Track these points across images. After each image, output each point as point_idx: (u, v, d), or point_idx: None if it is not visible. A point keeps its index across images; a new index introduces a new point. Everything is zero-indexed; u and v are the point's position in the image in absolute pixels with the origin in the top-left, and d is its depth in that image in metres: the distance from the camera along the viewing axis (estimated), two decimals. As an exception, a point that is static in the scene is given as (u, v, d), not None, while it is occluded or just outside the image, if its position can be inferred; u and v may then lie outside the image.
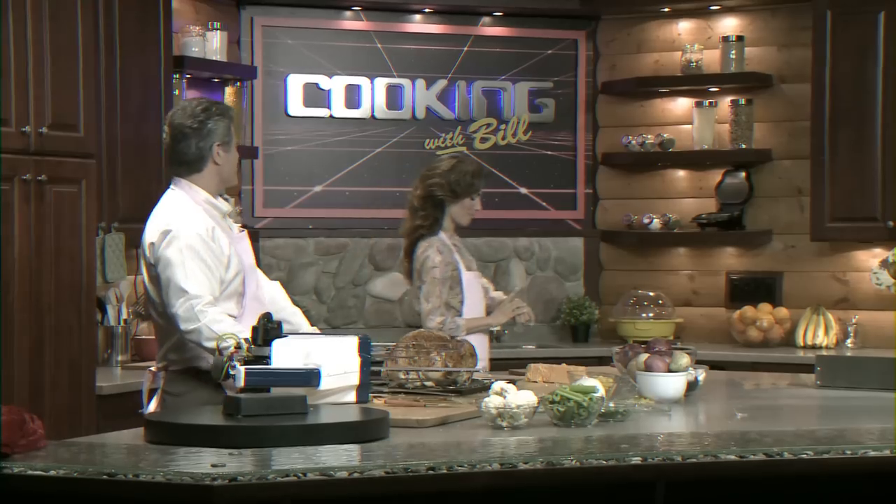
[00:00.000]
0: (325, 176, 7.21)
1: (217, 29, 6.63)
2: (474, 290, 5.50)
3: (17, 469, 3.10)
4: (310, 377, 3.86)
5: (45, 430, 3.27)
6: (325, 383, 3.91)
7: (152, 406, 4.41)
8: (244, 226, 4.61)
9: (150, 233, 4.32)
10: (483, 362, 5.34)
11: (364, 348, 3.99)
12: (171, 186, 4.43)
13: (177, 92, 6.26)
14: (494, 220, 7.20)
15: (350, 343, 3.97)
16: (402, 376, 4.40)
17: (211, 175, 4.40)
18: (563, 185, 7.55)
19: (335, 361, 3.91)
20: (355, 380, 3.95)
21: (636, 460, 3.28)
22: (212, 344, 4.11)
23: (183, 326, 4.20)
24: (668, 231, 7.37)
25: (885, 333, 6.80)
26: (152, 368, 4.50)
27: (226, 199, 4.50)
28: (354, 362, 3.95)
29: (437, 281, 5.38)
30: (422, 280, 5.40)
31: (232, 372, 3.74)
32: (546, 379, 4.87)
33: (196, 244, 4.25)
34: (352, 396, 3.96)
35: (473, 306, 5.48)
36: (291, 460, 3.13)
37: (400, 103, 7.33)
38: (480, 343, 5.31)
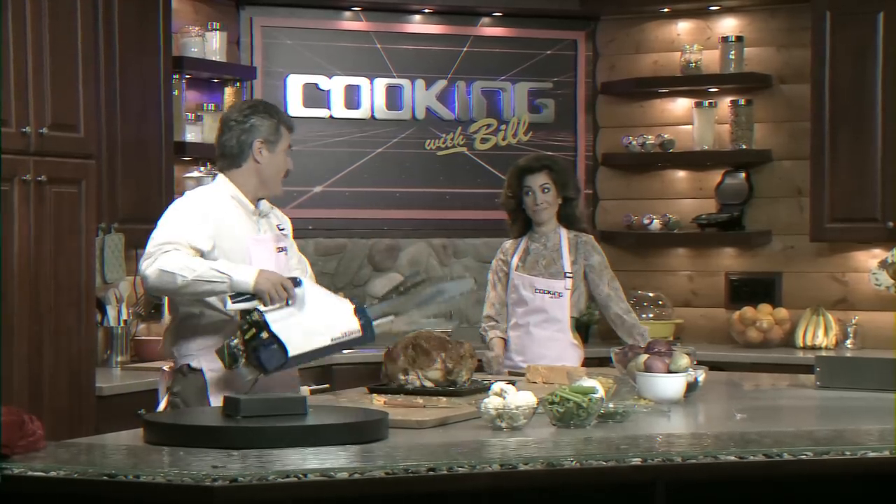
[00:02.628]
0: (324, 176, 7.21)
1: (216, 29, 6.63)
2: (520, 294, 5.61)
3: (17, 470, 3.10)
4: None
5: (44, 430, 3.27)
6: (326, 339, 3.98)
7: (161, 406, 4.41)
8: (282, 248, 4.49)
9: None
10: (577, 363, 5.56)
11: (360, 313, 4.07)
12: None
13: (176, 92, 6.26)
14: (494, 220, 7.18)
15: (345, 308, 4.07)
16: (402, 377, 4.40)
17: (250, 173, 4.33)
18: (562, 186, 7.55)
19: (334, 324, 3.98)
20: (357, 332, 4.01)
21: (636, 461, 3.28)
22: (168, 281, 4.05)
23: (140, 267, 4.14)
24: (668, 232, 7.37)
25: (884, 334, 6.80)
26: (165, 367, 4.50)
27: (270, 208, 4.47)
28: (354, 323, 4.00)
29: (488, 281, 5.74)
30: None
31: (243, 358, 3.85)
32: (545, 380, 4.88)
33: (179, 206, 4.26)
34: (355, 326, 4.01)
35: (515, 308, 5.62)
36: (292, 461, 3.14)
37: (400, 104, 7.33)
38: (575, 356, 5.59)
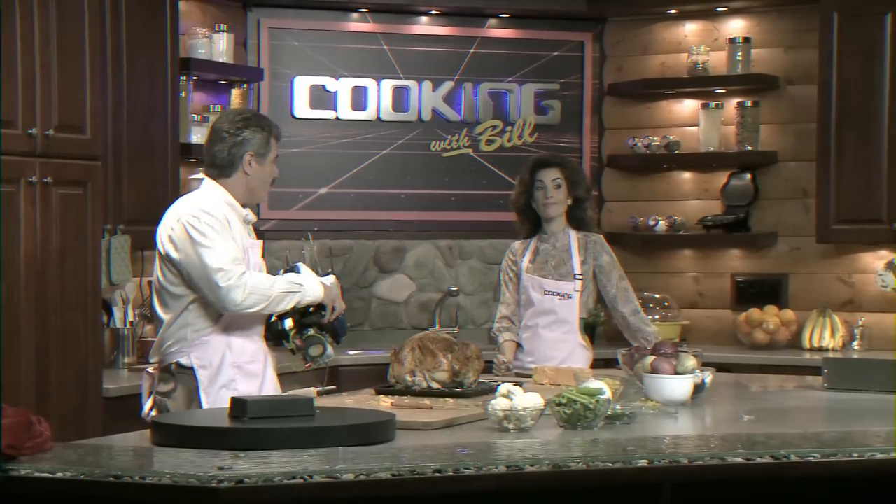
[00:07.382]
0: (330, 178, 7.22)
1: (224, 31, 6.63)
2: (529, 295, 5.60)
3: (24, 471, 3.10)
4: None
5: (51, 432, 3.27)
6: None
7: (146, 408, 4.42)
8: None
9: (169, 221, 4.37)
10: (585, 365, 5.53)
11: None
12: (200, 186, 4.51)
13: (183, 94, 6.27)
14: (499, 222, 7.18)
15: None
16: (409, 379, 4.40)
17: (239, 182, 4.46)
18: (568, 187, 7.54)
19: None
20: None
21: (642, 463, 3.28)
22: (264, 304, 4.27)
23: (221, 290, 4.24)
24: (674, 233, 7.37)
25: (890, 335, 6.79)
26: (150, 370, 4.49)
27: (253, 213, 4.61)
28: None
29: (500, 282, 5.77)
30: None
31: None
32: (552, 381, 4.87)
33: (215, 224, 4.31)
34: None
35: (525, 309, 5.62)
36: (297, 462, 3.14)
37: (406, 105, 7.33)
38: (584, 357, 5.59)
